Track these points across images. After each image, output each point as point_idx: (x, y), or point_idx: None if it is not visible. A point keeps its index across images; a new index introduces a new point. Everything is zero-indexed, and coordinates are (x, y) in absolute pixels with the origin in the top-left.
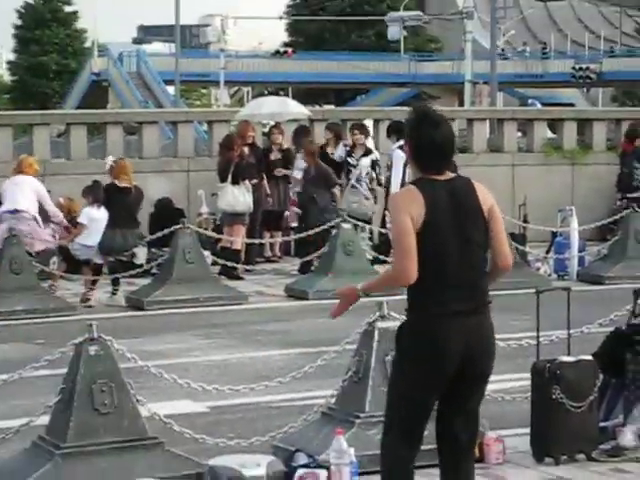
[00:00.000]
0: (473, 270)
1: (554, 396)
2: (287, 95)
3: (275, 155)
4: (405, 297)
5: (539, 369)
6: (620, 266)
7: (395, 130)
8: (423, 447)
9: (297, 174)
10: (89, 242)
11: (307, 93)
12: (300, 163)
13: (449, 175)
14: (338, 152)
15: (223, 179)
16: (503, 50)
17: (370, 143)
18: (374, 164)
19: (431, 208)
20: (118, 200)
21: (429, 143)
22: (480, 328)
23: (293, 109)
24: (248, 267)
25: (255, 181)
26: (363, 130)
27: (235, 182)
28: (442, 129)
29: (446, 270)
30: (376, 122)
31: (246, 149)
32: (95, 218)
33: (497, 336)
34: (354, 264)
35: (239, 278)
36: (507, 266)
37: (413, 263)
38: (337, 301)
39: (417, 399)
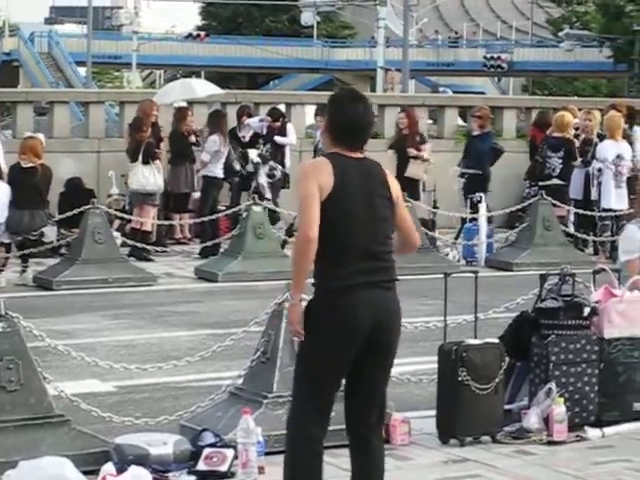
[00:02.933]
0: (380, 244)
1: (460, 378)
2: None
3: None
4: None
5: (446, 351)
6: (528, 253)
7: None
8: (332, 427)
9: (205, 156)
10: None
11: (220, 77)
12: (211, 145)
13: (361, 155)
14: (254, 124)
15: (134, 159)
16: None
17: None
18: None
19: (339, 179)
20: (23, 180)
21: (347, 117)
22: (387, 302)
23: (203, 91)
24: (158, 248)
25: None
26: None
27: (145, 162)
28: (362, 106)
29: (352, 242)
30: (288, 106)
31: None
32: None
33: (405, 320)
34: (264, 247)
35: (149, 259)
36: (415, 244)
37: (314, 228)
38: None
39: (326, 374)
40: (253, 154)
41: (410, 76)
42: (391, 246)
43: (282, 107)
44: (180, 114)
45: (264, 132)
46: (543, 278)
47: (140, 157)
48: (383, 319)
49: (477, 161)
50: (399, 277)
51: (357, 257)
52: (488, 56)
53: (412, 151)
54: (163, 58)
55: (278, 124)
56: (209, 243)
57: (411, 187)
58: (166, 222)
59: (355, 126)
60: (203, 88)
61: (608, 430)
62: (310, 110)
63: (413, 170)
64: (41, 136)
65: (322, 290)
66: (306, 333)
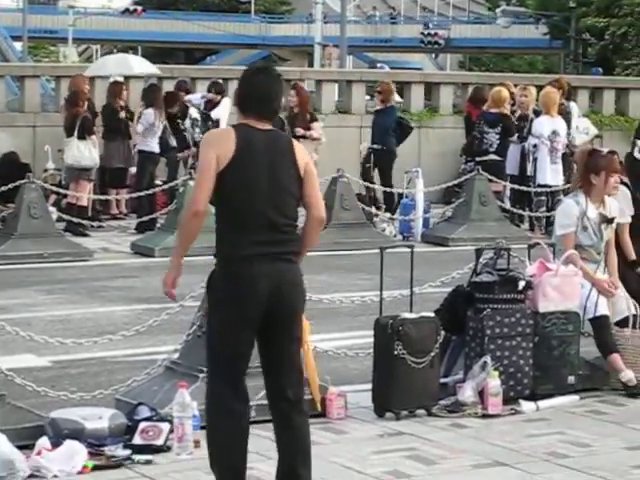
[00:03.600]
0: (282, 216)
1: (396, 352)
2: (137, 54)
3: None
4: None
5: (382, 325)
6: (464, 228)
7: None
8: (263, 402)
9: (139, 128)
10: None
11: (157, 53)
12: (147, 118)
13: (269, 127)
14: (195, 101)
15: (69, 134)
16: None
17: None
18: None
19: (242, 149)
20: None
21: (252, 88)
22: (287, 273)
23: (138, 68)
24: (94, 223)
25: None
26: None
27: (81, 137)
28: (268, 78)
29: (252, 212)
30: (225, 81)
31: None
32: None
33: (342, 295)
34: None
35: (85, 235)
36: (321, 218)
37: (203, 195)
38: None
39: (232, 346)
40: (193, 111)
41: (348, 52)
42: (295, 219)
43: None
44: (114, 89)
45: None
46: (478, 252)
47: (76, 132)
48: (283, 290)
49: (380, 136)
50: (336, 253)
51: (257, 228)
52: (425, 32)
53: (299, 130)
54: (100, 33)
55: (218, 98)
56: (145, 218)
57: None
58: (102, 197)
59: (260, 97)
60: (139, 65)
61: (542, 403)
62: None
63: None
64: None
65: (222, 260)
66: (210, 304)
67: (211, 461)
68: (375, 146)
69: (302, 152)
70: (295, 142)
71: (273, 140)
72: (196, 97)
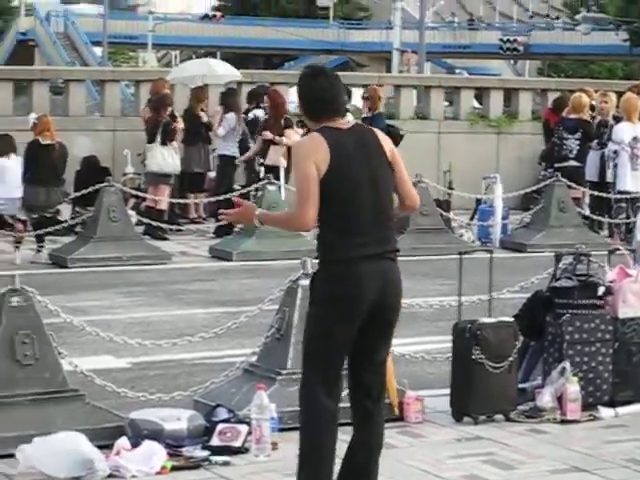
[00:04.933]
0: (382, 214)
1: (474, 357)
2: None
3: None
4: None
5: (460, 330)
6: (542, 234)
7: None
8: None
9: (221, 131)
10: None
11: (236, 58)
12: (228, 122)
13: (349, 123)
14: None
15: (151, 140)
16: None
17: None
18: None
19: (336, 154)
20: (41, 157)
21: (313, 92)
22: (390, 272)
23: (222, 71)
24: (172, 227)
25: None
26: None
27: (164, 143)
28: (323, 77)
29: (356, 215)
30: None
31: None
32: (4, 166)
33: (420, 299)
34: None
35: (163, 238)
36: (414, 205)
37: (312, 210)
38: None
39: (333, 345)
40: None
41: (426, 58)
42: (393, 213)
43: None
44: (197, 93)
45: None
46: (558, 257)
47: (158, 138)
48: (388, 290)
49: None
50: (414, 258)
51: (362, 228)
52: (504, 39)
53: (266, 134)
54: (179, 39)
55: None
56: (224, 222)
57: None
58: (181, 201)
59: (322, 98)
60: (222, 68)
61: (621, 410)
62: None
63: (271, 156)
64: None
65: (328, 262)
66: (312, 305)
67: (301, 462)
68: None
69: (384, 137)
70: (378, 131)
71: (359, 135)
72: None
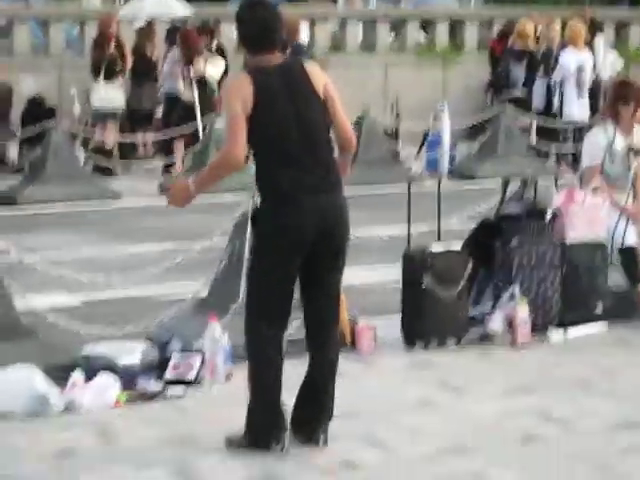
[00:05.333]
0: (316, 148)
1: (424, 284)
2: None
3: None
4: None
5: (410, 258)
6: (490, 163)
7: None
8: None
9: (166, 67)
10: None
11: None
12: (172, 57)
13: (280, 59)
14: None
15: (96, 76)
16: None
17: None
18: None
19: (262, 91)
20: None
21: (257, 21)
22: (332, 205)
23: (176, 8)
24: (121, 165)
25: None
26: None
27: (107, 78)
28: (269, 9)
29: (288, 150)
30: None
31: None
32: None
33: (369, 230)
34: None
35: (112, 176)
36: (350, 139)
37: (240, 147)
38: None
39: (277, 278)
40: None
41: None
42: (328, 148)
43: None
44: (145, 31)
45: None
46: (505, 183)
47: (102, 74)
48: (330, 222)
49: None
50: (363, 191)
51: (295, 164)
52: None
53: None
54: None
55: None
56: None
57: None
58: (129, 139)
59: (265, 30)
60: (174, 6)
61: (571, 332)
62: None
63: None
64: None
65: (267, 197)
66: (255, 239)
67: (252, 391)
68: None
69: (317, 73)
70: (309, 66)
71: (288, 71)
72: None
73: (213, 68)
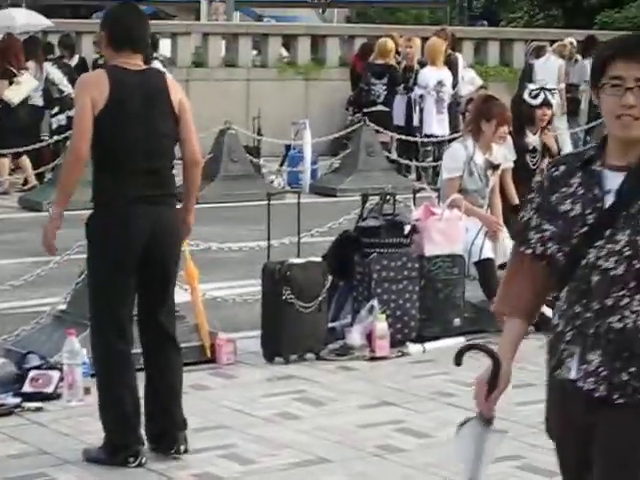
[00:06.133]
0: (158, 159)
1: (284, 297)
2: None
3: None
4: None
5: (269, 271)
6: (351, 179)
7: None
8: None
9: None
10: None
11: (41, 9)
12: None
13: (141, 66)
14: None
15: None
16: None
17: None
18: None
19: (115, 92)
20: None
21: (126, 23)
22: (163, 215)
23: (42, 21)
24: None
25: None
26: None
27: None
28: (135, 12)
29: (128, 156)
30: None
31: None
32: None
33: (229, 244)
34: (89, 175)
35: None
36: (196, 159)
37: (84, 143)
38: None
39: (112, 289)
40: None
41: (235, 7)
42: (171, 161)
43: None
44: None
45: None
46: (364, 198)
47: None
48: (160, 233)
49: None
50: (224, 204)
51: (134, 172)
52: None
53: None
54: None
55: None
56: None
57: None
58: None
59: (132, 34)
60: (28, 19)
61: (429, 345)
62: None
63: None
64: None
65: (100, 205)
66: (89, 249)
67: (103, 406)
68: None
69: (175, 87)
70: (169, 79)
71: (147, 79)
72: None
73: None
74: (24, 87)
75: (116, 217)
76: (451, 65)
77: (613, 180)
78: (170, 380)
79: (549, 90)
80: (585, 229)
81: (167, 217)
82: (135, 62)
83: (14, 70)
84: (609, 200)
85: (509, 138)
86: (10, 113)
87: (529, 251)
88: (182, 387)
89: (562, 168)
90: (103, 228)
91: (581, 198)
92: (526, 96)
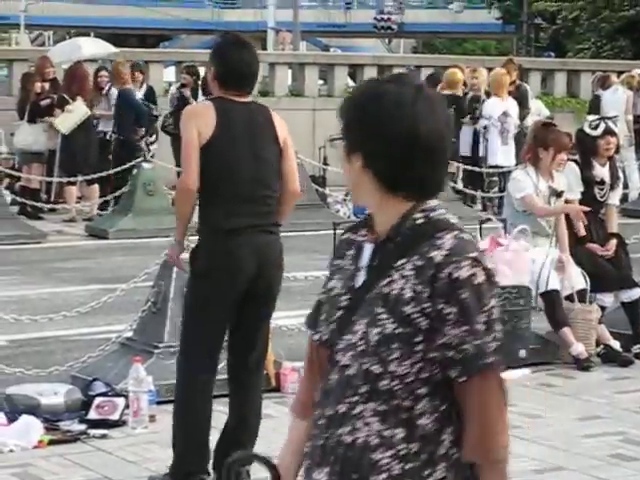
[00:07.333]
0: (264, 187)
1: None
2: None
3: None
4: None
5: None
6: None
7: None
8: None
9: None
10: None
11: (109, 38)
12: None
13: (248, 99)
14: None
15: (21, 117)
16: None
17: None
18: None
19: (222, 123)
20: None
21: (233, 62)
22: (269, 245)
23: (109, 49)
24: (48, 206)
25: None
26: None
27: (31, 120)
28: (247, 51)
29: (236, 185)
30: (178, 63)
31: (47, 85)
32: None
33: (296, 273)
34: (154, 204)
35: (38, 218)
36: (297, 191)
37: (192, 175)
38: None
39: (212, 318)
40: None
41: (301, 37)
42: (275, 192)
43: (172, 68)
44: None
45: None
46: None
47: (26, 115)
48: (266, 263)
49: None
50: (290, 234)
51: (241, 201)
52: (378, 17)
53: None
54: (52, 19)
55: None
56: (99, 201)
57: None
58: (56, 180)
59: (243, 72)
60: (91, 46)
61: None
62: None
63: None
64: None
65: (207, 234)
66: (191, 277)
67: (176, 431)
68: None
69: (281, 124)
70: (274, 114)
71: (253, 112)
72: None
73: (64, 117)
74: (72, 116)
75: (222, 248)
76: (521, 95)
77: (367, 252)
78: (249, 398)
79: (609, 119)
80: (339, 313)
81: (274, 248)
82: (241, 95)
83: (67, 98)
84: (360, 278)
85: (577, 169)
86: (69, 141)
87: (316, 337)
88: (259, 424)
89: (348, 234)
90: (211, 256)
91: (344, 273)
92: (586, 128)
